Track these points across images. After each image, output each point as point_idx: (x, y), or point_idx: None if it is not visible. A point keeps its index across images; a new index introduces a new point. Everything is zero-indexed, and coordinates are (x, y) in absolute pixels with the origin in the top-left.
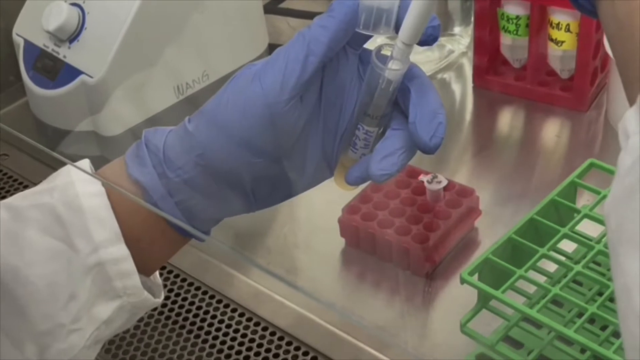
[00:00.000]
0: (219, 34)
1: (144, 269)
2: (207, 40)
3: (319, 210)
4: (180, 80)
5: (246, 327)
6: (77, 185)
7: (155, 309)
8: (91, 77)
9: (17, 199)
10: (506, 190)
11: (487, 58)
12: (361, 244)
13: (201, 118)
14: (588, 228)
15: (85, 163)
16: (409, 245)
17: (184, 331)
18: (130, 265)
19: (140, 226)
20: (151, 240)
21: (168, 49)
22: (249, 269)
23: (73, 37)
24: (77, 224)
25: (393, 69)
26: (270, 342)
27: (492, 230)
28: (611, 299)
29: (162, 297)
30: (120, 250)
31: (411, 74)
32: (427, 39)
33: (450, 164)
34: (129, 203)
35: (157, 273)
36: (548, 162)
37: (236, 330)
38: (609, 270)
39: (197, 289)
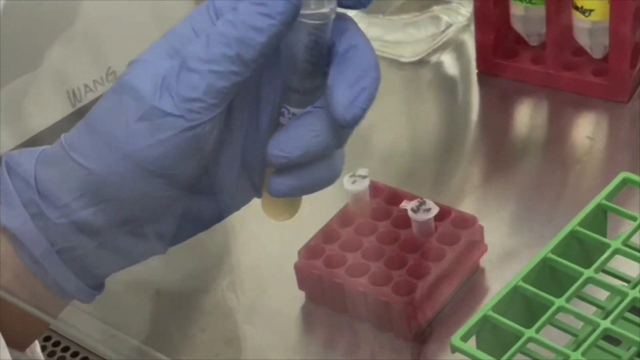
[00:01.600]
0: (127, 19)
1: (16, 342)
2: (112, 30)
3: (269, 253)
4: (76, 84)
5: None
6: None
7: None
8: None
9: None
10: (522, 217)
11: (494, 35)
12: (326, 298)
13: (86, 132)
14: (622, 266)
15: None
16: (390, 298)
17: None
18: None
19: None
20: (27, 294)
21: (57, 46)
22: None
23: None
24: None
25: (319, 12)
26: None
27: (502, 271)
28: None
29: None
30: None
31: (340, 27)
32: None
33: (447, 184)
34: None
35: (36, 345)
36: (578, 175)
37: None
38: None
39: None
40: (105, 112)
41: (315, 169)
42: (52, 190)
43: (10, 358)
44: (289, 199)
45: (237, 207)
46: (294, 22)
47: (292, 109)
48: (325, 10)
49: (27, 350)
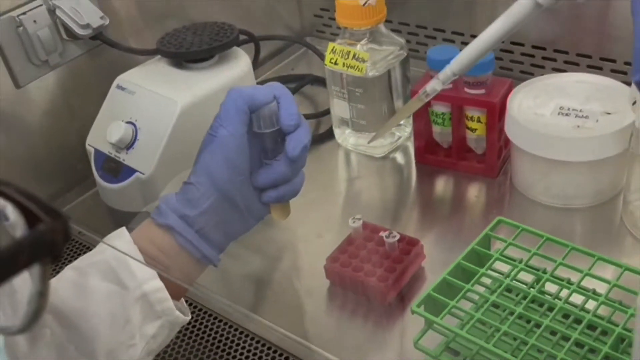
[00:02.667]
0: None
1: (174, 295)
2: None
3: (309, 262)
4: None
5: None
6: (118, 245)
7: (191, 334)
8: (143, 174)
9: (78, 261)
10: (443, 239)
11: (424, 142)
12: (341, 284)
13: (193, 172)
14: (500, 266)
15: (123, 230)
16: (375, 284)
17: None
18: (164, 293)
19: (169, 263)
20: (178, 271)
21: None
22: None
23: (129, 146)
24: (124, 269)
25: (434, 90)
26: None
27: (434, 270)
28: (520, 317)
29: (189, 316)
30: (156, 284)
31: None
32: (287, 128)
33: (402, 221)
34: (158, 248)
35: (182, 300)
36: (472, 216)
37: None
38: (517, 295)
39: (220, 321)
40: (200, 157)
41: (283, 188)
42: (185, 202)
43: (172, 304)
44: (282, 208)
45: (261, 217)
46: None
47: (267, 162)
48: (267, 130)
49: (180, 300)
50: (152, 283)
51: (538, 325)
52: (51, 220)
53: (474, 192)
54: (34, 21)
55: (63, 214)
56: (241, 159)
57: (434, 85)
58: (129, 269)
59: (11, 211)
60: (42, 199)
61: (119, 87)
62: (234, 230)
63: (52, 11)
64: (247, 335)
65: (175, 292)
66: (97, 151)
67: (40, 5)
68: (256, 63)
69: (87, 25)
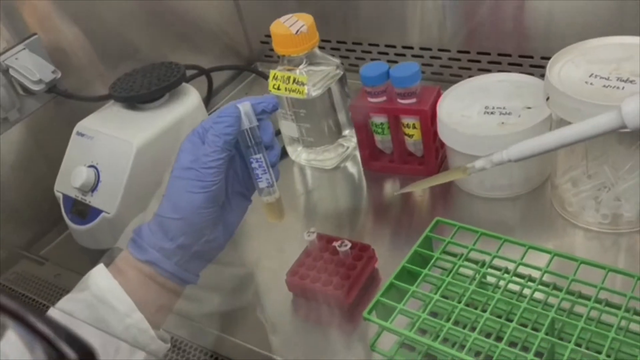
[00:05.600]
0: None
1: (155, 323)
2: None
3: (273, 277)
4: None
5: None
6: (98, 281)
7: None
8: (108, 213)
9: (62, 302)
10: (394, 240)
11: (369, 151)
12: (302, 294)
13: (168, 202)
14: (444, 263)
15: (100, 266)
16: (332, 292)
17: None
18: (146, 324)
19: (148, 295)
20: (157, 302)
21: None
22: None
23: (93, 188)
24: (105, 307)
25: (482, 167)
26: None
27: (387, 270)
28: (457, 322)
29: (169, 343)
30: (137, 316)
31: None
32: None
33: (356, 227)
34: (138, 281)
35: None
36: (418, 215)
37: None
38: (461, 290)
39: (190, 347)
40: (173, 192)
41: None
42: (162, 235)
43: (154, 335)
44: (278, 209)
45: (244, 211)
46: (238, 128)
47: (254, 156)
48: (252, 125)
49: (161, 329)
50: (133, 317)
51: (482, 315)
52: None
53: (418, 192)
54: None
55: (91, 351)
56: (217, 192)
57: (483, 164)
58: (110, 305)
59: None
60: (72, 332)
61: (79, 133)
62: (211, 255)
63: (5, 71)
64: (216, 359)
65: (156, 321)
66: (65, 196)
67: None
68: (210, 94)
69: (40, 81)
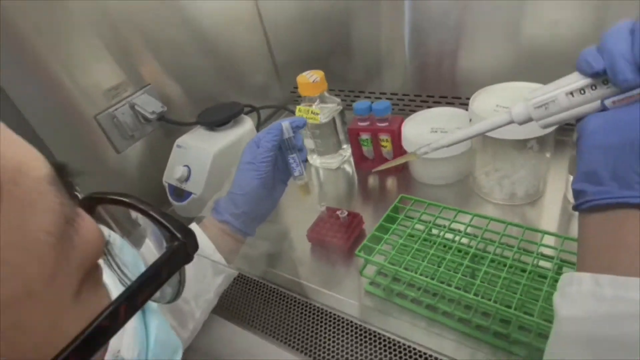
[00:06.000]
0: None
1: (228, 259)
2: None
3: (299, 234)
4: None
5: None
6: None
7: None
8: (196, 194)
9: None
10: (374, 211)
11: (359, 157)
12: (318, 244)
13: (237, 187)
14: (406, 223)
15: (193, 224)
16: (337, 242)
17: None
18: (223, 260)
19: (223, 242)
20: (229, 247)
21: (226, 177)
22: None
23: (186, 179)
24: (201, 247)
25: (424, 152)
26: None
27: (370, 229)
28: (418, 250)
29: (237, 272)
30: (217, 256)
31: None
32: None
33: (351, 204)
34: (217, 233)
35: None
36: (390, 196)
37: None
38: (417, 238)
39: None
40: (240, 177)
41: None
42: (233, 205)
43: (228, 266)
44: (306, 188)
45: (282, 193)
46: (281, 137)
47: (291, 156)
48: (290, 135)
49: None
50: (215, 255)
51: (429, 254)
52: (183, 236)
53: (390, 182)
54: (123, 113)
55: (191, 231)
56: (267, 178)
57: (426, 149)
58: (202, 246)
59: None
60: (177, 219)
61: (178, 145)
62: (263, 217)
63: (132, 106)
64: (264, 284)
65: (229, 259)
66: (169, 185)
67: (125, 104)
68: (258, 123)
69: (153, 112)
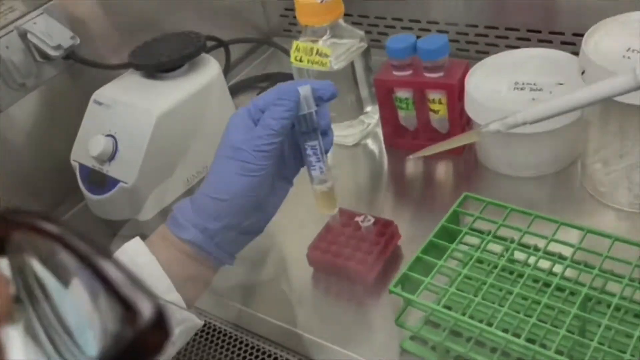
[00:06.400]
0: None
1: (190, 300)
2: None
3: (294, 252)
4: (190, 173)
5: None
6: (135, 258)
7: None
8: (126, 183)
9: None
10: (417, 218)
11: (392, 128)
12: (324, 269)
13: (215, 187)
14: (471, 239)
15: (137, 240)
16: (355, 267)
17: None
18: (182, 304)
19: (186, 273)
20: (193, 281)
21: (181, 156)
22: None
23: (111, 158)
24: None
25: (497, 130)
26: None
27: (410, 247)
28: (493, 286)
29: (202, 322)
30: (173, 296)
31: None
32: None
33: (377, 204)
34: (176, 259)
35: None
36: (442, 194)
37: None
38: (488, 266)
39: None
40: (219, 172)
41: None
42: (206, 215)
43: (191, 314)
44: (330, 200)
45: (284, 196)
46: (297, 113)
47: (309, 143)
48: (311, 110)
49: (193, 309)
50: (171, 295)
51: (510, 293)
52: (152, 318)
53: (443, 170)
54: (7, 47)
55: (163, 309)
56: (266, 176)
57: (498, 127)
58: (151, 279)
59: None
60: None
61: (96, 102)
62: (249, 237)
63: (23, 35)
64: (240, 337)
65: (191, 299)
66: (81, 165)
67: (12, 31)
68: (227, 67)
69: (59, 46)
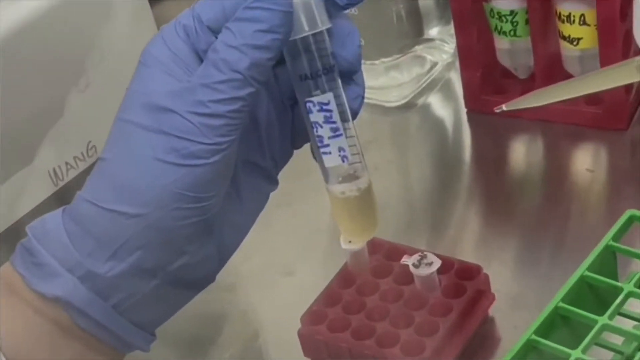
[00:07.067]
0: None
1: None
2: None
3: (271, 321)
4: (57, 162)
5: None
6: None
7: None
8: None
9: None
10: (526, 260)
11: (481, 71)
12: (332, 358)
13: (109, 182)
14: (636, 305)
15: None
16: (399, 359)
17: None
18: None
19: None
20: None
21: (45, 126)
22: None
23: None
24: None
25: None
26: None
27: (511, 320)
28: None
29: None
30: None
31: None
32: None
33: (446, 233)
34: (35, 334)
35: None
36: (581, 211)
37: None
38: None
39: None
40: (124, 157)
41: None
42: (95, 247)
43: None
44: (361, 212)
45: (258, 212)
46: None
47: (317, 100)
48: (319, 29)
49: None
50: None
51: None
52: None
53: (584, 161)
54: None
55: None
56: (221, 166)
57: None
58: None
59: None
60: None
61: None
62: (187, 295)
63: None
64: None
65: None
66: None
67: None
68: None
69: None
